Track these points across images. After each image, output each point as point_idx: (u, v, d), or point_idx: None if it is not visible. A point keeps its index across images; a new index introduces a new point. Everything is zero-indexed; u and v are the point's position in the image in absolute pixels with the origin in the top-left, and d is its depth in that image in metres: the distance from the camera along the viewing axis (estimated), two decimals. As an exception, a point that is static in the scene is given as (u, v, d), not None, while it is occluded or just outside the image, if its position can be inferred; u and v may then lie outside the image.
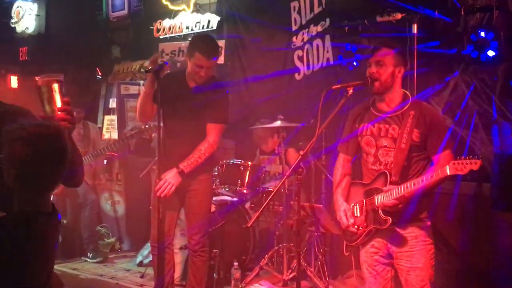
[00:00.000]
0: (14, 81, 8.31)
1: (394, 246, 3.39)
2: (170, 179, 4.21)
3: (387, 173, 3.33)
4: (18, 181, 2.20)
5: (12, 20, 9.29)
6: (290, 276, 5.21)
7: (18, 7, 9.25)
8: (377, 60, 3.41)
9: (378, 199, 3.32)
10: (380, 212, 3.30)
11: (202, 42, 4.48)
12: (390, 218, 3.26)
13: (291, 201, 5.22)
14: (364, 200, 3.44)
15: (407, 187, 3.19)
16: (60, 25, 8.86)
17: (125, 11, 8.12)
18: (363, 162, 3.59)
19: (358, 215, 3.46)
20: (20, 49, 9.14)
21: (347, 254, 3.73)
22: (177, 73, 4.67)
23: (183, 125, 4.38)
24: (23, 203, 2.22)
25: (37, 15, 9.09)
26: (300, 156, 3.65)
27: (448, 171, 3.03)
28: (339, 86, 3.70)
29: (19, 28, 9.24)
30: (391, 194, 3.25)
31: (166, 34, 7.39)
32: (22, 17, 9.21)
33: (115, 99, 8.13)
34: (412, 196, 3.22)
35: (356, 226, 3.45)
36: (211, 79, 4.51)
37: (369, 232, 3.40)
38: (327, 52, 5.98)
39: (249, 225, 3.87)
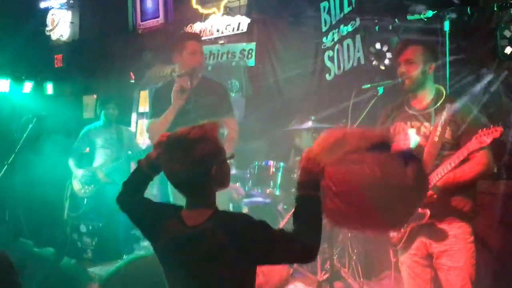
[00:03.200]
0: (49, 88, 8.47)
1: (434, 243, 3.35)
2: None
3: None
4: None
5: (47, 28, 9.47)
6: (324, 277, 5.19)
7: (52, 15, 9.43)
8: (406, 59, 3.39)
9: None
10: None
11: (186, 33, 4.76)
12: (428, 210, 3.23)
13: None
14: None
15: (437, 175, 3.17)
16: (93, 32, 9.01)
17: (160, 19, 8.11)
18: None
19: None
20: (55, 56, 9.30)
21: (394, 260, 3.70)
22: (166, 86, 4.74)
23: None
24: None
25: (71, 23, 9.25)
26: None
27: (470, 146, 3.00)
28: (369, 86, 3.71)
29: (54, 35, 9.41)
30: None
31: (197, 37, 7.45)
32: (56, 24, 9.39)
33: (148, 103, 8.23)
34: (447, 187, 3.19)
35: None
36: (203, 79, 4.64)
37: (410, 231, 3.37)
38: (358, 51, 5.94)
39: (281, 227, 3.87)
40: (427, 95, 3.44)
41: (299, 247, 2.13)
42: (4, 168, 5.77)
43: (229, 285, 2.21)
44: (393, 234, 3.49)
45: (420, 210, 3.25)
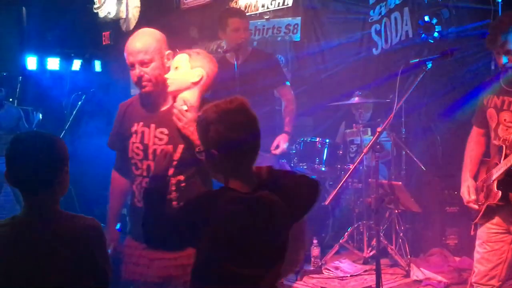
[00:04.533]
0: (98, 65, 8.59)
1: None
2: (284, 144, 4.69)
3: (503, 146, 3.21)
4: (219, 161, 2.23)
5: (95, 6, 9.58)
6: (371, 253, 5.17)
7: (100, -8, 9.54)
8: (507, 50, 3.15)
9: (493, 173, 3.22)
10: (494, 185, 3.19)
11: (228, 9, 5.27)
12: (500, 192, 3.15)
13: (370, 178, 5.14)
14: (485, 177, 3.35)
15: None
16: (140, 9, 9.05)
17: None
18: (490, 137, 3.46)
19: (481, 192, 3.37)
20: (103, 33, 9.41)
21: (472, 234, 3.60)
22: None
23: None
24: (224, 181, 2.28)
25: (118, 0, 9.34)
26: (377, 133, 3.61)
27: None
28: (417, 60, 3.63)
29: (102, 13, 9.51)
30: (502, 167, 3.14)
31: (242, 13, 7.39)
32: (104, 2, 9.48)
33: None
34: None
35: (477, 203, 3.36)
36: (253, 52, 4.73)
37: (487, 208, 3.28)
38: (406, 25, 5.78)
39: (327, 203, 3.84)
40: None
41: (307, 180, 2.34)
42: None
43: (286, 244, 2.26)
44: (472, 209, 3.40)
45: (494, 190, 3.18)
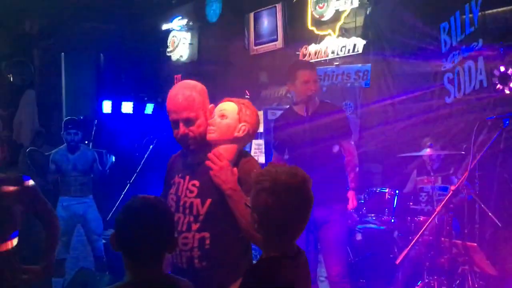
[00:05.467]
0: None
1: None
2: (355, 201, 4.60)
3: None
4: (261, 227, 2.17)
5: (168, 49, 9.91)
6: (442, 310, 4.98)
7: (173, 36, 9.86)
8: None
9: None
10: None
11: (298, 62, 5.37)
12: None
13: (442, 236, 4.96)
14: None
15: None
16: (211, 53, 9.30)
17: (278, 43, 8.22)
18: None
19: None
20: (175, 76, 9.69)
21: None
22: (284, 114, 4.85)
23: (309, 154, 4.38)
24: (267, 249, 2.20)
25: (190, 44, 9.63)
26: (451, 191, 3.52)
27: None
28: (493, 118, 3.54)
29: (174, 56, 9.83)
30: None
31: (311, 59, 7.42)
32: (176, 46, 9.80)
33: (262, 124, 8.32)
34: None
35: None
36: (321, 104, 4.65)
37: None
38: (480, 74, 5.64)
39: (397, 263, 3.76)
40: None
41: None
42: (127, 187, 6.07)
43: None
44: None
45: None
